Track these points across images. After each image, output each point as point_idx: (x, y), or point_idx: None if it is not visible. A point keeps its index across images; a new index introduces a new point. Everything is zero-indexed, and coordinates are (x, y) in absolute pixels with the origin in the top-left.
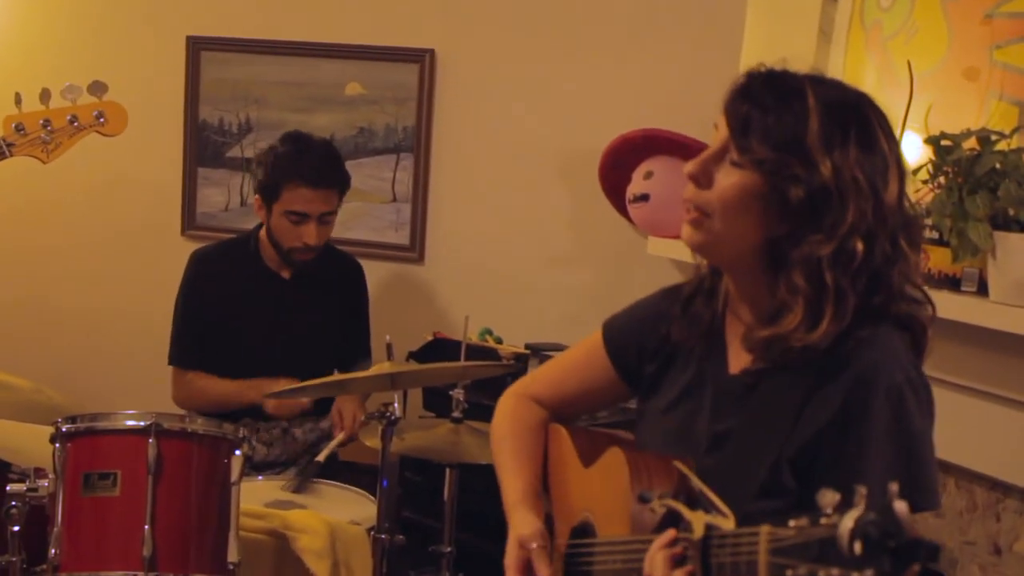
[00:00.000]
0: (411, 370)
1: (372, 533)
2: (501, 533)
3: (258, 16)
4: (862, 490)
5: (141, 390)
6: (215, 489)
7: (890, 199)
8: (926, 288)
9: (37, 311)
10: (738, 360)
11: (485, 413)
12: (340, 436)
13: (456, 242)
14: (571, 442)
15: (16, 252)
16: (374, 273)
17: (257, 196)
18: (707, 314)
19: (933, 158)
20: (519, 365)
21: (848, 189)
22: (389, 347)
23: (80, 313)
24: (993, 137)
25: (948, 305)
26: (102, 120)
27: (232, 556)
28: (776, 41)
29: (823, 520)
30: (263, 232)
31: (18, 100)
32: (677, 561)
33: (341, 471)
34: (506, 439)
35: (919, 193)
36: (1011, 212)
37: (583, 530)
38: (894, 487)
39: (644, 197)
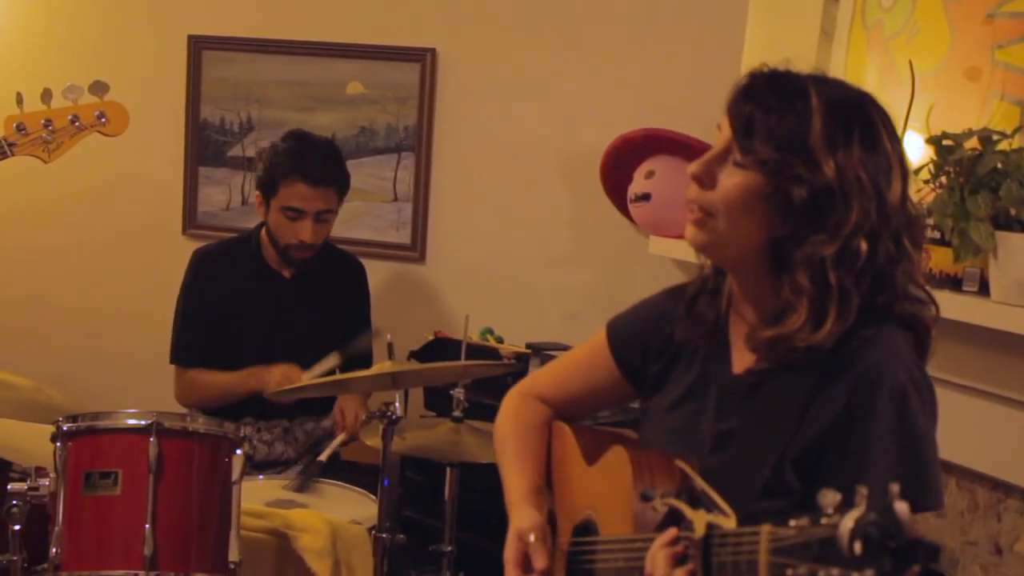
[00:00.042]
0: (412, 369)
1: (373, 532)
2: (502, 532)
3: (259, 15)
4: (863, 490)
5: (142, 389)
6: (216, 488)
7: (893, 198)
8: (928, 288)
9: (38, 310)
10: (742, 360)
11: (486, 412)
12: (342, 435)
13: (457, 241)
14: (575, 440)
15: (17, 251)
16: (375, 272)
17: (257, 193)
18: (711, 314)
19: (935, 158)
20: (520, 365)
21: (852, 189)
22: (390, 346)
23: (81, 312)
24: (995, 137)
25: (950, 305)
26: (103, 120)
27: (233, 555)
28: (777, 41)
29: (824, 520)
30: (264, 231)
31: (19, 100)
32: (678, 560)
33: (342, 470)
34: (509, 437)
35: (920, 193)
36: (1013, 212)
37: (585, 528)
38: (895, 487)
39: (645, 196)
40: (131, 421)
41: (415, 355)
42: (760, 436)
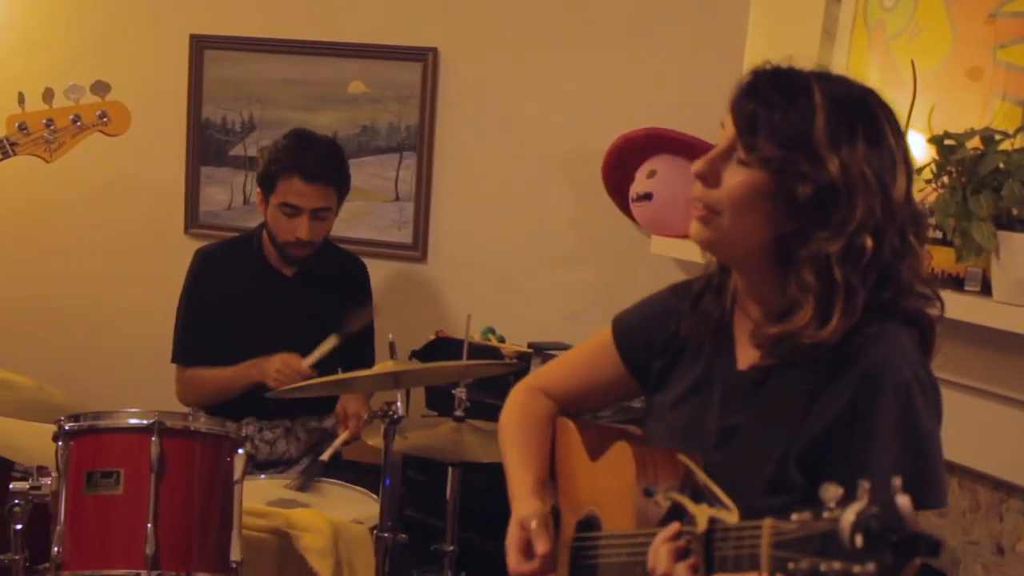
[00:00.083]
0: (414, 369)
1: (375, 532)
2: (504, 532)
3: (261, 15)
4: (865, 484)
5: (144, 388)
6: (218, 487)
7: (898, 194)
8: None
9: (40, 309)
10: (746, 356)
11: (488, 412)
12: (344, 435)
13: (459, 241)
14: (579, 436)
15: (19, 251)
16: (377, 272)
17: (258, 190)
18: (716, 310)
19: (937, 158)
20: (521, 364)
21: (856, 186)
22: (392, 346)
23: (83, 312)
24: (997, 137)
25: (952, 305)
26: (105, 119)
27: (235, 555)
28: (779, 40)
29: (825, 514)
30: (266, 230)
31: (21, 100)
32: (681, 554)
33: (344, 470)
34: (514, 430)
35: (923, 193)
36: (1015, 212)
37: (589, 523)
38: (897, 481)
39: (647, 196)
40: (133, 420)
41: (417, 354)
42: (764, 432)
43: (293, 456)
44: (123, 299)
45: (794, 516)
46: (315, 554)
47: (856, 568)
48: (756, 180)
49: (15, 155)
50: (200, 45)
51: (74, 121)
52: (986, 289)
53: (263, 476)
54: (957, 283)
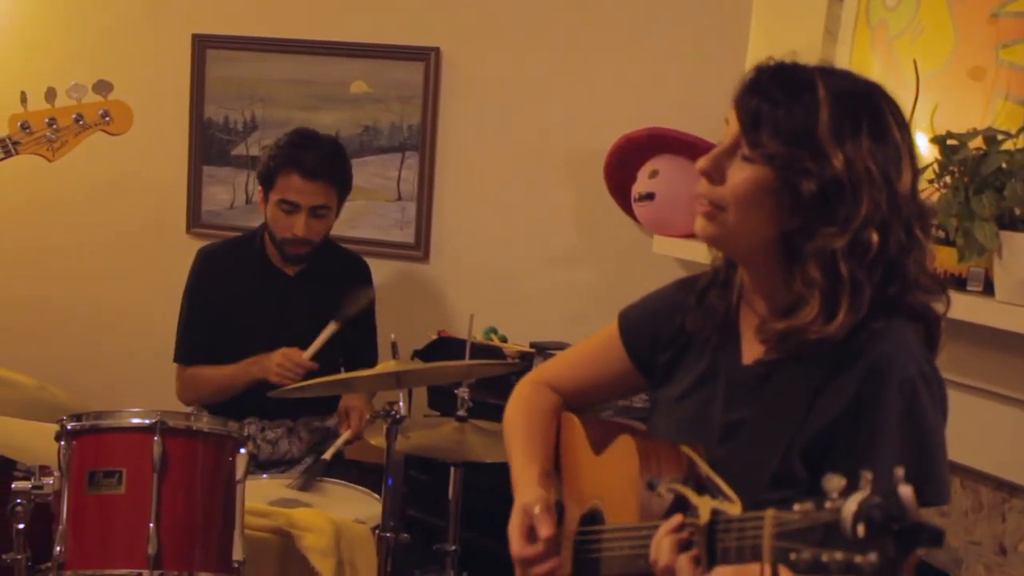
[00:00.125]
0: (416, 369)
1: (377, 532)
2: (506, 531)
3: (263, 14)
4: (867, 475)
5: (146, 388)
6: (220, 487)
7: (904, 188)
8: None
9: (43, 309)
10: (751, 351)
11: (490, 412)
12: (346, 434)
13: (461, 240)
14: (583, 430)
15: (22, 250)
16: (379, 272)
17: (259, 189)
18: (722, 306)
19: (939, 158)
20: (524, 364)
21: (861, 181)
22: (394, 345)
23: (85, 311)
24: (999, 136)
25: (954, 305)
26: (107, 119)
27: (237, 554)
28: (781, 40)
29: (828, 504)
30: (267, 229)
31: (24, 99)
32: (683, 546)
33: (346, 469)
34: (519, 423)
35: (925, 193)
36: (1017, 212)
37: (592, 517)
38: (899, 471)
39: (649, 196)
40: (135, 420)
41: (419, 354)
42: (769, 426)
43: (295, 456)
44: (125, 299)
45: (796, 506)
46: (317, 554)
47: (858, 558)
48: (760, 176)
49: (18, 154)
50: (202, 44)
51: (76, 120)
52: (988, 289)
53: (265, 476)
54: (960, 283)
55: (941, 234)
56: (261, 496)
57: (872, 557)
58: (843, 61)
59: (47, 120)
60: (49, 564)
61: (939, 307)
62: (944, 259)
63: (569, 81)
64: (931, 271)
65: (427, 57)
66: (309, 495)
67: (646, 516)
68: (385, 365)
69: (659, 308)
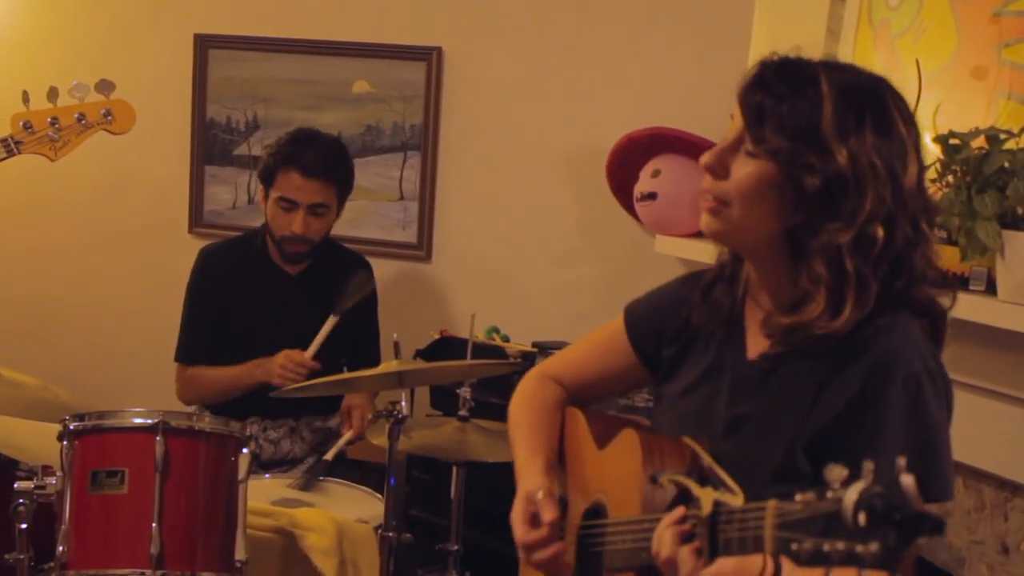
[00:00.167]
0: (418, 368)
1: (379, 531)
2: (509, 531)
3: (266, 14)
4: (869, 465)
5: (148, 388)
6: (222, 487)
7: (909, 182)
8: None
9: (44, 309)
10: (756, 345)
11: (492, 411)
12: (348, 434)
13: (463, 240)
14: (587, 425)
15: (24, 250)
16: (381, 271)
17: (261, 187)
18: (727, 300)
19: (941, 157)
20: (526, 364)
21: (866, 176)
22: (396, 345)
23: (87, 311)
24: (1002, 136)
25: (957, 304)
26: (110, 118)
27: (239, 554)
28: (784, 39)
29: (829, 494)
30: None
31: (26, 98)
32: (685, 538)
33: (348, 469)
34: (523, 417)
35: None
36: (1020, 211)
37: (596, 511)
38: (901, 461)
39: (651, 195)
40: (138, 420)
41: (421, 354)
42: (773, 421)
43: (297, 455)
44: (128, 298)
45: (798, 497)
46: (319, 553)
47: (859, 548)
48: (764, 171)
49: (20, 154)
50: (205, 44)
51: (79, 119)
52: (991, 288)
53: (267, 475)
54: (962, 282)
55: (943, 234)
56: (263, 496)
57: (873, 547)
58: (845, 60)
59: (49, 119)
60: (52, 564)
61: (945, 301)
62: (946, 258)
63: (571, 80)
64: (938, 265)
65: (429, 57)
66: (311, 495)
67: (649, 509)
68: (387, 365)
69: (665, 303)
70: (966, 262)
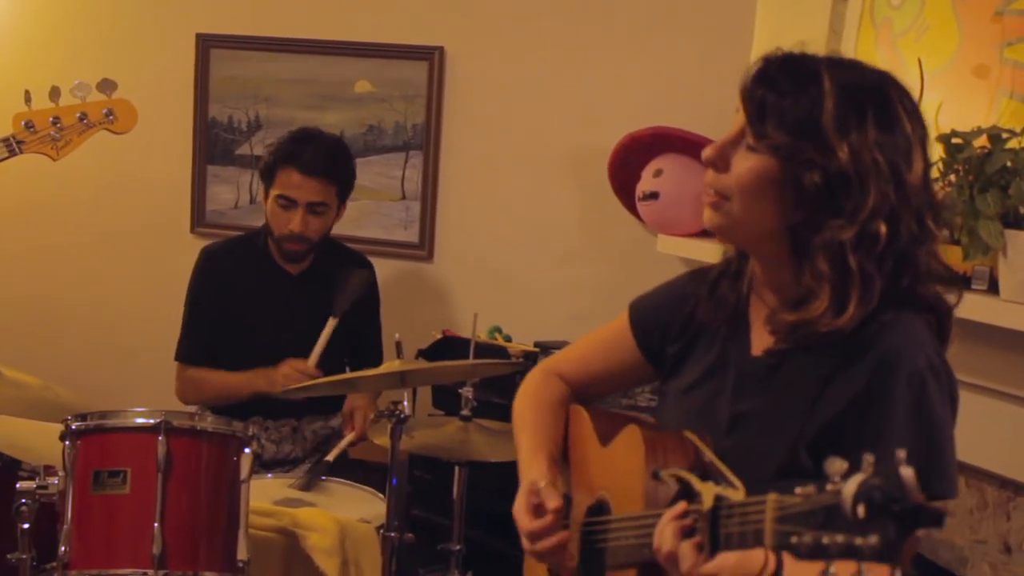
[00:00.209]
0: (420, 368)
1: (381, 531)
2: (511, 531)
3: (267, 14)
4: (869, 457)
5: (151, 387)
6: (225, 487)
7: (914, 179)
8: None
9: (46, 309)
10: (761, 341)
11: (494, 411)
12: (350, 436)
13: (465, 240)
14: (591, 422)
15: (26, 250)
16: (383, 271)
17: (262, 186)
18: (732, 296)
19: (944, 156)
20: (528, 363)
21: (868, 172)
22: (399, 345)
23: (89, 311)
24: (1004, 135)
25: (959, 303)
26: (111, 117)
27: (242, 554)
28: (786, 38)
29: (829, 487)
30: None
31: (28, 98)
32: (686, 533)
33: (351, 469)
34: (527, 413)
35: None
36: (1022, 210)
37: (599, 508)
38: (901, 453)
39: (654, 195)
40: (140, 420)
41: (423, 354)
42: (777, 417)
43: (299, 456)
44: (130, 298)
45: (798, 490)
46: (322, 553)
47: (858, 540)
48: (764, 167)
49: (22, 153)
50: (206, 44)
51: (80, 119)
52: (993, 288)
53: (269, 475)
54: (964, 282)
55: (945, 233)
56: (266, 496)
57: (873, 539)
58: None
59: (51, 119)
60: (54, 564)
61: (951, 298)
62: (948, 258)
63: (573, 80)
64: (944, 262)
65: (431, 56)
66: (313, 495)
67: (651, 505)
68: (389, 364)
69: (670, 299)
70: (968, 261)
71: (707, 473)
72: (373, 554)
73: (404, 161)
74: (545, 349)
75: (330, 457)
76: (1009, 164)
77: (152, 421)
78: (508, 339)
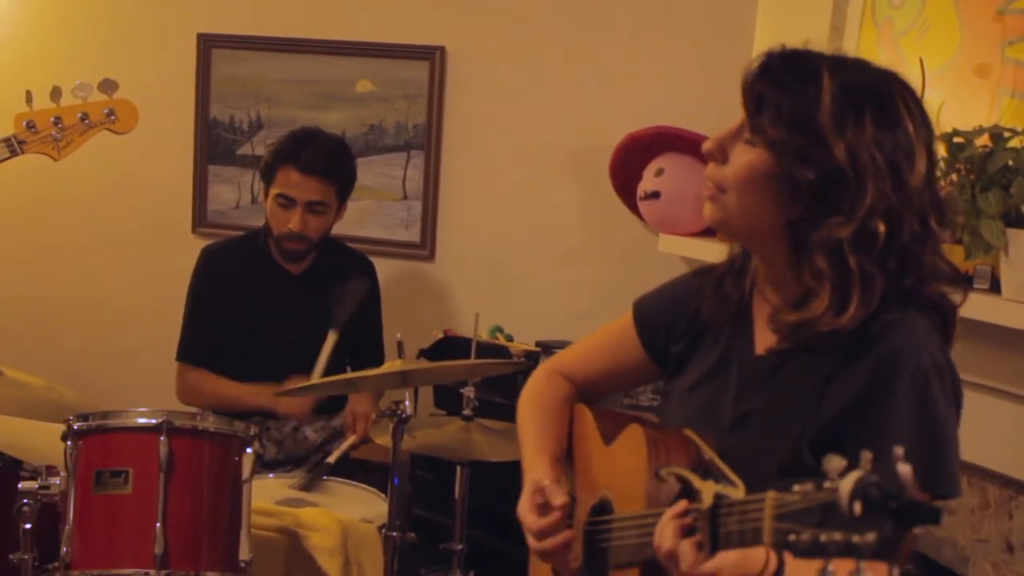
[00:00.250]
0: (422, 368)
1: (383, 531)
2: (512, 530)
3: (269, 13)
4: (867, 455)
5: (152, 387)
6: (227, 487)
7: (916, 179)
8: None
9: (48, 309)
10: (764, 340)
11: (496, 411)
12: (352, 438)
13: (467, 239)
14: (594, 422)
15: (27, 250)
16: (385, 271)
17: (262, 185)
18: (736, 293)
19: (945, 155)
20: (530, 363)
21: (865, 170)
22: (400, 345)
23: (91, 311)
24: (1006, 134)
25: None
26: (113, 117)
27: (243, 554)
28: (787, 37)
29: (827, 484)
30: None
31: (29, 98)
32: (687, 531)
33: (352, 469)
34: (531, 412)
35: None
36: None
37: (602, 508)
38: (899, 450)
39: (655, 194)
40: (142, 420)
41: (425, 353)
42: (779, 416)
43: (301, 455)
44: (131, 298)
45: (796, 487)
46: (324, 553)
47: (856, 538)
48: (760, 161)
49: (23, 153)
50: (208, 44)
51: (82, 119)
52: (995, 287)
53: (271, 475)
54: (966, 281)
55: (948, 233)
56: (268, 496)
57: (870, 537)
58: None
59: (52, 119)
60: (56, 564)
61: (956, 298)
62: (950, 257)
63: (574, 79)
64: (950, 262)
65: (432, 56)
66: (315, 495)
67: (653, 504)
68: (391, 364)
69: (674, 297)
70: (970, 260)
71: (708, 472)
72: (375, 554)
73: (405, 161)
74: (547, 349)
75: (331, 459)
76: (1011, 163)
77: (154, 421)
78: (510, 339)
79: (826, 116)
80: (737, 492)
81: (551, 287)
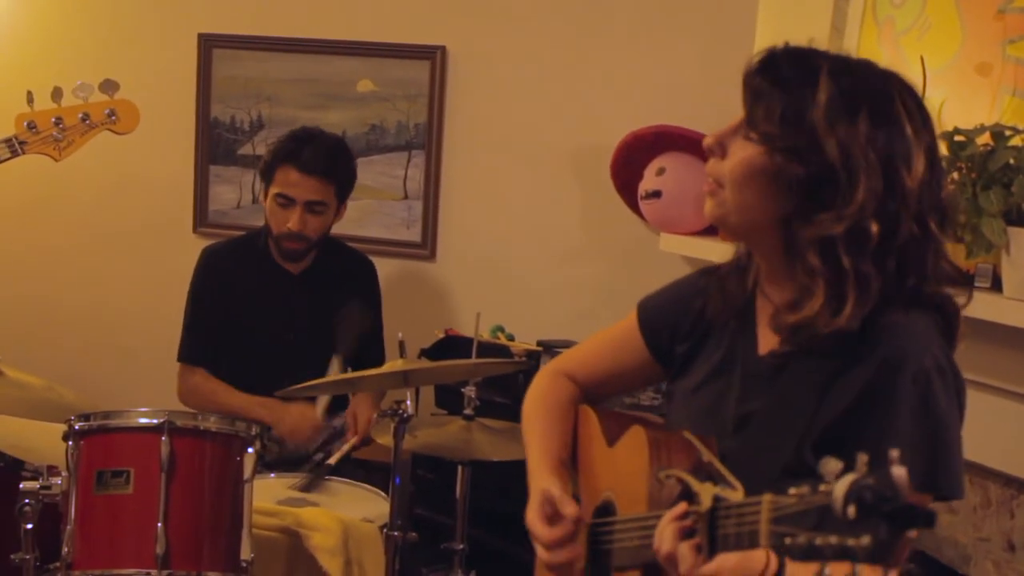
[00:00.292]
0: (423, 367)
1: (385, 530)
2: (513, 530)
3: (270, 13)
4: (863, 457)
5: (154, 387)
6: (228, 487)
7: (914, 180)
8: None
9: (49, 309)
10: (767, 341)
11: (497, 410)
12: (352, 440)
13: (468, 239)
14: (598, 423)
15: (28, 250)
16: (386, 270)
17: (262, 184)
18: (740, 292)
19: (946, 154)
20: (531, 362)
21: (857, 168)
22: (401, 344)
23: (92, 311)
24: (1007, 133)
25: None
26: (114, 118)
27: (245, 554)
28: (788, 37)
29: (822, 487)
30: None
31: (30, 98)
32: (686, 534)
33: (354, 469)
34: (536, 414)
35: None
36: None
37: (605, 509)
38: (894, 453)
39: (656, 194)
40: (143, 420)
41: (426, 353)
42: (782, 418)
43: (303, 455)
44: (132, 298)
45: (792, 490)
46: (325, 553)
47: (851, 541)
48: (755, 156)
49: (24, 154)
50: (208, 44)
51: (83, 119)
52: (996, 285)
53: (273, 475)
54: (967, 279)
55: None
56: (269, 495)
57: (865, 540)
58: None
59: (53, 119)
60: (57, 564)
61: (960, 299)
62: (952, 255)
63: (575, 79)
64: (954, 264)
65: (433, 56)
66: (316, 494)
67: (655, 506)
68: (392, 364)
69: (678, 298)
70: (971, 259)
71: (707, 474)
72: (376, 553)
73: (406, 160)
74: (548, 348)
75: (332, 460)
76: (1012, 161)
77: (155, 421)
78: (511, 338)
79: (819, 113)
80: (736, 494)
81: (552, 286)
